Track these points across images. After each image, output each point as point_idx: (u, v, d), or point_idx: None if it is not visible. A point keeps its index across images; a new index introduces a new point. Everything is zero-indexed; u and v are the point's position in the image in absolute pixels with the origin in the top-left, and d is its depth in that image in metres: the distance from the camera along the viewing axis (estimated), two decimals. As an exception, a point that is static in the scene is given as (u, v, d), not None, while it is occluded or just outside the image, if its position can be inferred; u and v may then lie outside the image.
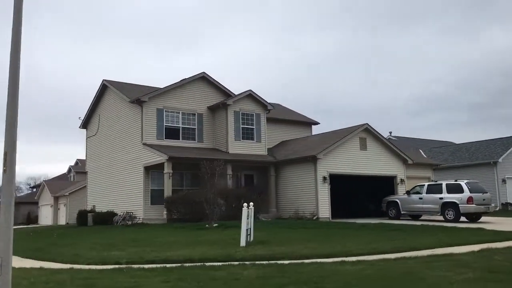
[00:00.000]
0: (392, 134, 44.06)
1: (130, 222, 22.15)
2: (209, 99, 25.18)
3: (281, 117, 30.14)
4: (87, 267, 8.66)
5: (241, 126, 24.85)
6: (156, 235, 14.66)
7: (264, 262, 8.29)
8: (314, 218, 21.87)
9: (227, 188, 21.64)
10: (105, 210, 24.96)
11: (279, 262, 8.31)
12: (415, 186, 22.32)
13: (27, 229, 28.05)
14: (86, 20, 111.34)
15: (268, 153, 25.65)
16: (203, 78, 25.23)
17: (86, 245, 12.56)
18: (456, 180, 20.73)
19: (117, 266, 8.53)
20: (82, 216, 26.13)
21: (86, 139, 30.48)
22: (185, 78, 24.71)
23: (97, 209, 26.82)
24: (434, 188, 20.96)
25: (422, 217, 22.02)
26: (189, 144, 24.07)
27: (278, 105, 34.43)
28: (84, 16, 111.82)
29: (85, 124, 30.23)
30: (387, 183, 25.25)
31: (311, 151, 22.93)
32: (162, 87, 24.48)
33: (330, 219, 22.03)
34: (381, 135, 25.00)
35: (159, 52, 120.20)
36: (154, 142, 22.97)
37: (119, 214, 23.29)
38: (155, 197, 22.31)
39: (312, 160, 22.32)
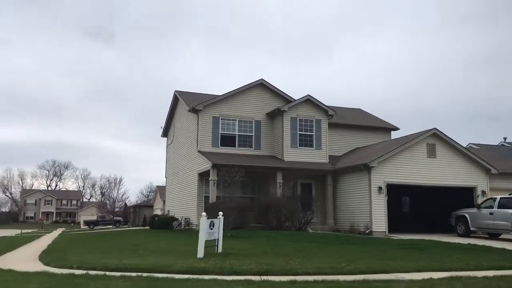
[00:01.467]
0: None
1: (183, 227, 22.72)
2: (268, 106, 24.77)
3: (356, 123, 28.45)
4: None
5: (298, 132, 23.96)
6: (158, 240, 14.71)
7: (145, 274, 7.85)
8: (367, 231, 20.11)
9: (271, 198, 20.98)
10: (172, 215, 26.02)
11: (168, 276, 7.81)
12: (488, 199, 19.36)
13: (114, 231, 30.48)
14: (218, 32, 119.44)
15: (333, 160, 24.34)
16: (262, 85, 24.91)
17: (83, 250, 13.09)
18: (530, 194, 17.42)
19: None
20: (152, 220, 27.58)
21: (166, 147, 32.13)
22: (243, 86, 24.64)
23: (171, 214, 28.03)
24: (507, 202, 17.92)
25: (504, 235, 18.94)
26: (245, 151, 23.90)
27: (359, 110, 32.73)
28: (217, 28, 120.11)
29: (165, 133, 31.92)
30: (466, 196, 22.18)
31: (365, 159, 21.19)
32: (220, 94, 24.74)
33: (387, 233, 20.04)
34: (455, 141, 22.09)
35: (292, 62, 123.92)
36: (209, 150, 23.26)
37: (179, 219, 24.04)
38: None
39: (366, 168, 20.58)
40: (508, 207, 17.60)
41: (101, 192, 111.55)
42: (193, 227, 22.52)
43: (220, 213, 11.39)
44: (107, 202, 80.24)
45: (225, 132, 23.94)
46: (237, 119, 24.25)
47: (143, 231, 25.00)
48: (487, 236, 19.62)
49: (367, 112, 32.11)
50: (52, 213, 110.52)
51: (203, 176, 22.94)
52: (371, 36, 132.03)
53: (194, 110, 23.59)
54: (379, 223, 20.20)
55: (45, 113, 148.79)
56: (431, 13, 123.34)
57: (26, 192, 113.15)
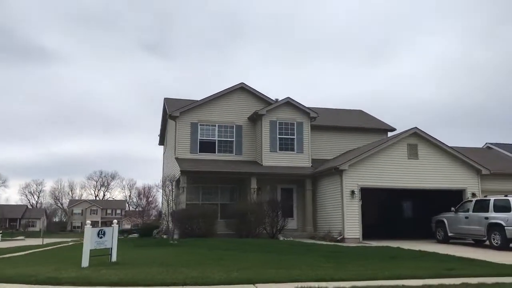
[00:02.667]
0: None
1: (161, 235, 22.55)
2: (250, 110, 24.14)
3: (350, 124, 27.31)
4: None
5: (278, 136, 23.20)
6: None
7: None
8: (339, 238, 19.03)
9: (241, 204, 20.36)
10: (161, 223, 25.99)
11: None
12: (465, 202, 17.82)
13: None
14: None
15: (319, 164, 23.36)
16: (242, 89, 24.37)
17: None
18: (506, 195, 15.76)
19: None
20: (143, 229, 27.69)
21: (163, 156, 32.22)
22: (222, 90, 24.20)
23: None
24: (482, 205, 16.36)
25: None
26: (225, 157, 23.39)
27: (359, 111, 31.42)
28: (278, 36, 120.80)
29: (161, 141, 32.06)
30: (457, 199, 20.51)
31: (338, 162, 20.14)
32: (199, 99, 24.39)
33: (361, 240, 18.88)
34: (439, 141, 20.57)
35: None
36: (187, 156, 22.96)
37: (160, 226, 23.94)
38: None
39: (337, 172, 19.55)
40: (482, 210, 16.05)
41: (147, 201, 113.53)
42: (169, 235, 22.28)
43: (115, 221, 11.02)
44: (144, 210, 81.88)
45: (204, 138, 23.56)
46: (216, 125, 23.81)
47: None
48: (473, 242, 17.96)
49: (367, 114, 30.74)
50: (98, 222, 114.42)
51: (179, 183, 22.70)
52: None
53: (171, 117, 23.42)
54: (352, 230, 19.06)
55: (107, 123, 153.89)
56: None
57: (73, 203, 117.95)
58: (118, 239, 11.09)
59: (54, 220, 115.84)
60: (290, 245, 16.13)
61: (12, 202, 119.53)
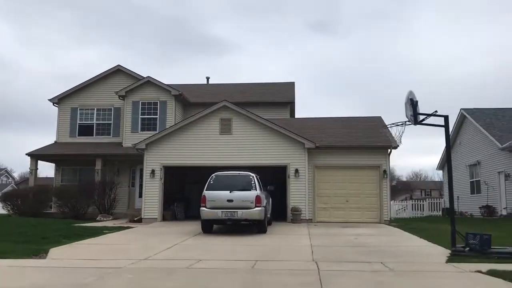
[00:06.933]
0: None
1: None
2: (128, 92, 24.43)
3: (259, 99, 25.68)
4: None
5: (140, 117, 23.14)
6: None
7: None
8: (136, 219, 18.67)
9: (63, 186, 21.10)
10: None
11: None
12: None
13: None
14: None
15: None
16: (119, 71, 24.69)
17: None
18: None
19: None
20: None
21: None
22: (100, 74, 24.79)
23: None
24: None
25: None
26: (102, 139, 24.08)
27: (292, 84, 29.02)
28: None
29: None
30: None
31: (147, 140, 19.45)
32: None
33: (160, 220, 18.34)
34: (255, 115, 18.59)
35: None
36: (67, 140, 24.28)
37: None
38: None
39: (142, 150, 19.06)
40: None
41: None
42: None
43: None
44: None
45: (83, 122, 24.58)
46: (95, 108, 24.63)
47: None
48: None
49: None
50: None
51: (60, 166, 24.19)
52: None
53: (54, 104, 24.90)
54: (151, 210, 18.54)
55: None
56: None
57: None
58: None
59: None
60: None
61: None
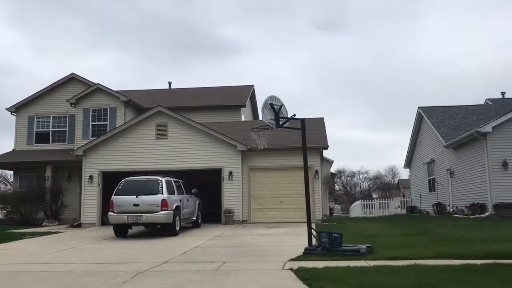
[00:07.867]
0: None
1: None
2: (83, 99, 24.88)
3: (209, 103, 26.02)
4: None
5: (91, 123, 23.57)
6: None
7: None
8: (75, 224, 19.07)
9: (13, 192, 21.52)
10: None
11: None
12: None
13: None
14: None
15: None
16: (73, 79, 25.17)
17: None
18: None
19: None
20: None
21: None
22: (55, 82, 25.28)
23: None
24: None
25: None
26: (58, 146, 24.59)
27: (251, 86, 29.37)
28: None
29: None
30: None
31: (84, 147, 19.83)
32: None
33: (98, 225, 18.73)
34: (189, 119, 18.97)
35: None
36: (24, 148, 24.82)
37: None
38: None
39: (81, 157, 19.45)
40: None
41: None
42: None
43: None
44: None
45: (40, 130, 25.11)
46: (51, 116, 25.14)
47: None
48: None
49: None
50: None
51: (18, 173, 24.70)
52: None
53: (12, 113, 25.42)
54: (90, 215, 18.93)
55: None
56: None
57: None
58: None
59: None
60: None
61: None
